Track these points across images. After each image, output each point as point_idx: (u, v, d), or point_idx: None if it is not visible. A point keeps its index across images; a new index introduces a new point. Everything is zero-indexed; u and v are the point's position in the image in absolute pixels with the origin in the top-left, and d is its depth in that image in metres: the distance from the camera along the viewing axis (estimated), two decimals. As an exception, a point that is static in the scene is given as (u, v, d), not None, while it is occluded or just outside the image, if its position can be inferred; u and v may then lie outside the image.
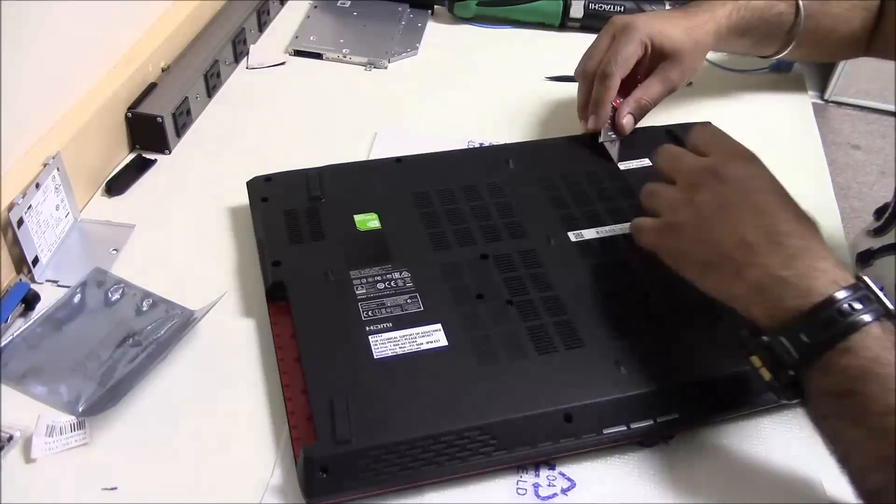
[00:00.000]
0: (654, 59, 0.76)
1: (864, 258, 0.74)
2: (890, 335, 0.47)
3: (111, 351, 0.59)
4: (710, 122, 0.80)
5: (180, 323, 0.61)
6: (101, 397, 0.56)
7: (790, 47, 0.81)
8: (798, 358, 0.48)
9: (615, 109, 0.76)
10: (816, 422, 0.49)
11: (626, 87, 0.77)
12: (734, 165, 0.56)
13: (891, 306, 0.48)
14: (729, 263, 0.52)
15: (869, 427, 0.46)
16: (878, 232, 0.77)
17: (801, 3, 0.79)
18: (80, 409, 0.55)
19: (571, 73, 0.82)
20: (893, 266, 0.72)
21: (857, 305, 0.47)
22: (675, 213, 0.56)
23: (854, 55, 0.86)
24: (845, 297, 0.48)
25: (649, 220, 0.59)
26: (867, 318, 0.47)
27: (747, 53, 0.85)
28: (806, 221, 0.53)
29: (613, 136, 0.75)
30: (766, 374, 0.50)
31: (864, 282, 0.49)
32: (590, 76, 0.76)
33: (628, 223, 0.67)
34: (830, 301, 0.48)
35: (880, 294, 0.48)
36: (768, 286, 0.50)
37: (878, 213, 0.79)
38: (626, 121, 0.76)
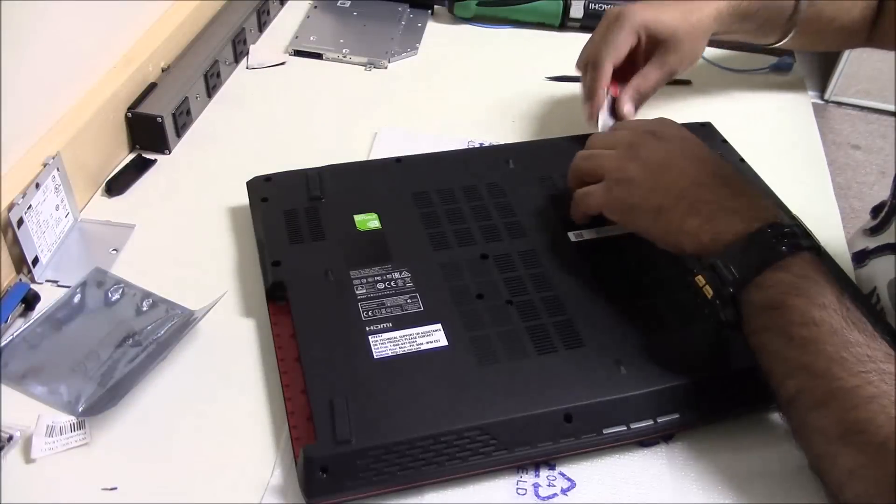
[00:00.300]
0: (651, 46, 0.77)
1: (860, 258, 0.75)
2: (819, 264, 0.53)
3: (111, 351, 0.59)
4: (710, 123, 0.80)
5: (180, 323, 0.61)
6: (101, 397, 0.56)
7: (790, 35, 0.81)
8: (738, 276, 0.53)
9: (614, 99, 0.76)
10: (750, 338, 0.53)
11: (627, 77, 0.77)
12: (668, 127, 0.64)
13: (819, 243, 0.54)
14: (682, 203, 0.57)
15: (790, 336, 0.51)
16: (874, 231, 0.77)
17: None
18: (80, 409, 0.55)
19: (571, 74, 0.82)
20: (893, 265, 0.72)
21: (793, 235, 0.53)
22: (622, 171, 0.61)
23: (853, 45, 0.87)
24: (785, 226, 0.54)
25: (592, 186, 0.63)
26: (801, 245, 0.53)
27: (747, 40, 0.84)
28: (736, 168, 0.59)
29: (612, 125, 0.75)
30: (709, 292, 0.54)
31: (799, 221, 0.55)
32: (582, 63, 0.78)
33: (628, 223, 0.67)
34: (772, 226, 0.53)
35: (810, 231, 0.55)
36: (718, 215, 0.55)
37: (875, 211, 0.79)
38: (627, 109, 0.76)
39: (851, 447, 0.48)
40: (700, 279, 0.54)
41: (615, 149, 0.63)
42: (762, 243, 0.53)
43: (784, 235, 0.53)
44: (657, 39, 0.76)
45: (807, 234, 0.55)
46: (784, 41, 0.82)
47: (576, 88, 0.82)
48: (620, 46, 0.75)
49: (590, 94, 0.76)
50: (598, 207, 0.63)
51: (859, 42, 0.85)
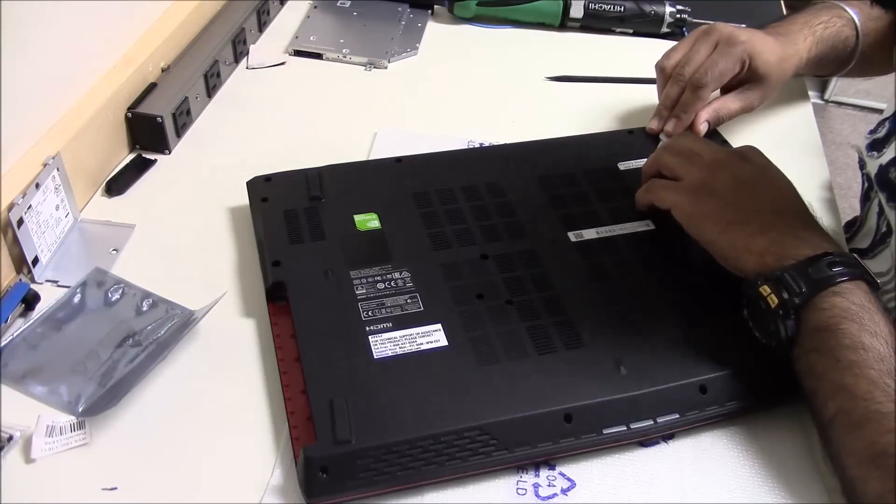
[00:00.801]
0: (745, 74, 0.77)
1: None
2: (875, 296, 0.55)
3: (111, 351, 0.59)
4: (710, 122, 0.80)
5: (180, 323, 0.61)
6: (101, 397, 0.56)
7: (848, 68, 0.83)
8: (804, 290, 0.54)
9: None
10: (798, 359, 0.54)
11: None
12: (756, 153, 0.65)
13: (875, 279, 0.56)
14: (756, 222, 0.59)
15: (837, 358, 0.52)
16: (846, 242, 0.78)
17: (857, 22, 0.80)
18: (80, 410, 0.55)
19: (572, 73, 0.82)
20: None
21: (852, 265, 0.55)
22: (708, 179, 0.63)
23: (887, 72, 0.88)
24: (844, 255, 0.56)
25: (672, 181, 0.65)
26: (859, 276, 0.54)
27: (804, 76, 0.86)
28: (810, 210, 0.62)
29: None
30: (774, 301, 0.55)
31: (857, 257, 0.56)
32: (683, 78, 0.76)
33: (628, 223, 0.67)
34: (836, 253, 0.55)
35: (867, 268, 0.56)
36: (787, 240, 0.57)
37: (848, 226, 0.80)
38: (703, 127, 0.77)
39: (882, 470, 0.48)
40: (765, 289, 0.55)
41: (702, 157, 0.65)
42: (824, 266, 0.54)
43: (844, 264, 0.55)
44: (753, 73, 0.77)
45: (864, 267, 0.56)
46: (839, 73, 0.85)
47: (576, 88, 0.82)
48: (726, 76, 0.76)
49: (681, 112, 0.77)
50: (670, 204, 0.64)
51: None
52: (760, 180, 0.63)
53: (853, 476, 0.50)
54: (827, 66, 0.83)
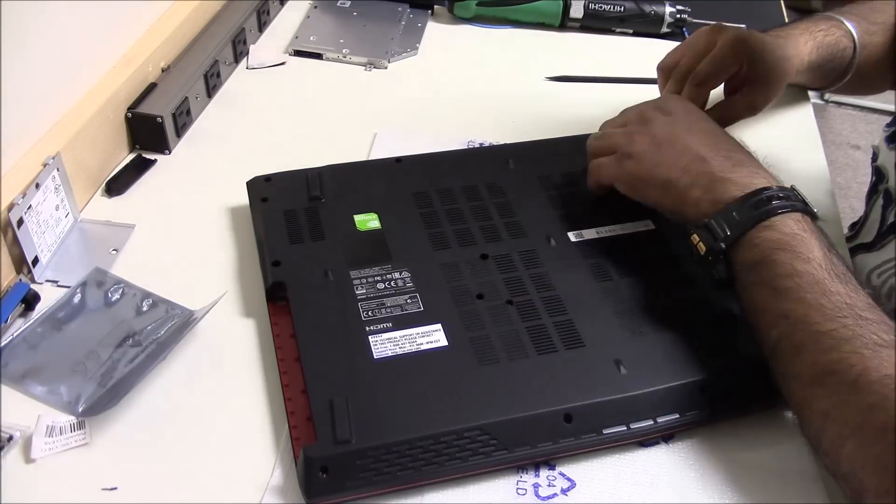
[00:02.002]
0: (746, 74, 0.76)
1: None
2: (809, 224, 0.56)
3: (111, 351, 0.59)
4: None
5: (180, 323, 0.61)
6: (101, 397, 0.56)
7: (843, 81, 0.83)
8: (729, 234, 0.56)
9: None
10: (740, 296, 0.57)
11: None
12: (673, 102, 0.68)
13: (813, 209, 0.57)
14: (686, 176, 0.60)
15: (774, 287, 0.53)
16: (848, 241, 0.78)
17: (855, 35, 0.80)
18: (80, 410, 0.55)
19: (572, 74, 0.82)
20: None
21: (784, 198, 0.56)
22: (631, 144, 0.65)
23: (883, 89, 0.89)
24: (775, 190, 0.57)
25: (605, 157, 0.67)
26: (791, 207, 0.56)
27: (801, 86, 0.86)
28: (741, 146, 0.63)
29: None
30: (702, 249, 0.58)
31: (795, 188, 0.58)
32: (682, 76, 0.76)
33: (628, 223, 0.67)
34: (762, 190, 0.57)
35: (807, 199, 0.57)
36: (717, 184, 0.59)
37: (852, 226, 0.80)
38: None
39: (825, 388, 0.49)
40: (694, 237, 0.58)
41: (626, 125, 0.67)
42: (755, 204, 0.56)
43: (777, 198, 0.56)
44: (754, 74, 0.76)
45: (800, 197, 0.57)
46: (834, 87, 0.85)
47: (576, 88, 0.82)
48: (725, 73, 0.75)
49: None
50: (609, 178, 0.66)
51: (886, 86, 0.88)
52: (683, 130, 0.64)
53: (799, 398, 0.51)
54: (825, 75, 0.83)
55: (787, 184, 0.59)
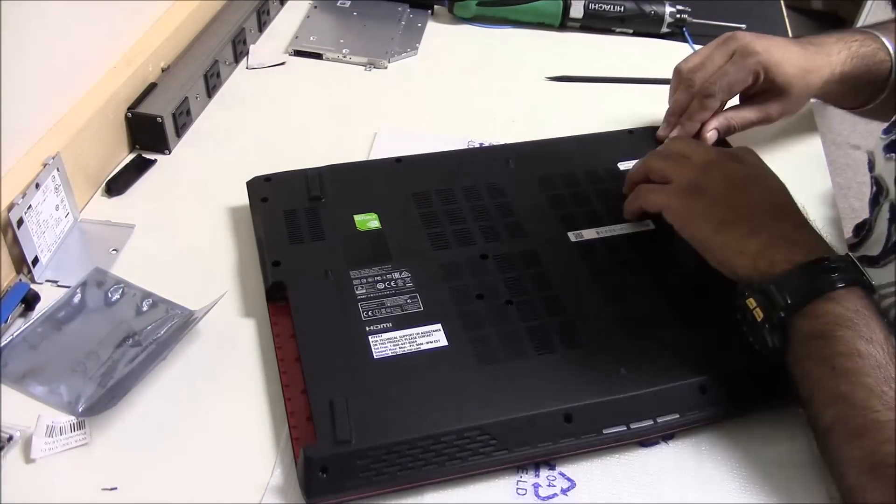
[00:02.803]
0: (763, 85, 0.75)
1: None
2: (871, 301, 0.53)
3: (111, 351, 0.59)
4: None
5: (180, 323, 0.61)
6: (101, 397, 0.56)
7: (879, 98, 0.79)
8: (791, 302, 0.53)
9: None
10: (793, 366, 0.54)
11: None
12: (747, 154, 0.65)
13: (871, 280, 0.55)
14: (748, 223, 0.58)
15: (832, 366, 0.51)
16: (852, 248, 0.77)
17: (891, 49, 0.77)
18: (80, 410, 0.55)
19: (572, 73, 0.82)
20: None
21: (847, 270, 0.54)
22: (698, 179, 0.62)
23: None
24: (839, 259, 0.54)
25: (658, 185, 0.65)
26: (854, 281, 0.53)
27: (830, 102, 0.83)
28: (803, 211, 0.60)
29: None
30: (759, 315, 0.54)
31: (852, 258, 0.55)
32: (693, 86, 0.75)
33: (628, 223, 0.67)
34: (827, 259, 0.54)
35: (863, 269, 0.55)
36: (779, 243, 0.56)
37: (858, 229, 0.79)
38: (711, 135, 0.75)
39: (880, 481, 0.48)
40: (751, 302, 0.55)
41: (691, 159, 0.64)
42: (817, 273, 0.54)
43: (839, 269, 0.54)
44: (772, 84, 0.74)
45: (860, 270, 0.55)
46: (868, 106, 0.81)
47: (576, 88, 0.82)
48: (736, 87, 0.74)
49: (687, 121, 0.75)
50: (661, 207, 0.63)
51: None
52: (753, 180, 0.62)
53: (852, 485, 0.49)
54: (861, 90, 0.79)
55: (841, 251, 0.57)
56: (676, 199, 0.62)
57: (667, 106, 0.78)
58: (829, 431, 0.51)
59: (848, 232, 0.81)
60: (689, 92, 0.75)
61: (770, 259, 0.55)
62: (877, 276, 0.57)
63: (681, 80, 0.76)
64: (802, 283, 0.53)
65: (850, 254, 0.56)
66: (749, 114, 0.76)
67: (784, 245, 0.56)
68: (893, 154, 0.69)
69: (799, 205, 0.61)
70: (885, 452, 0.48)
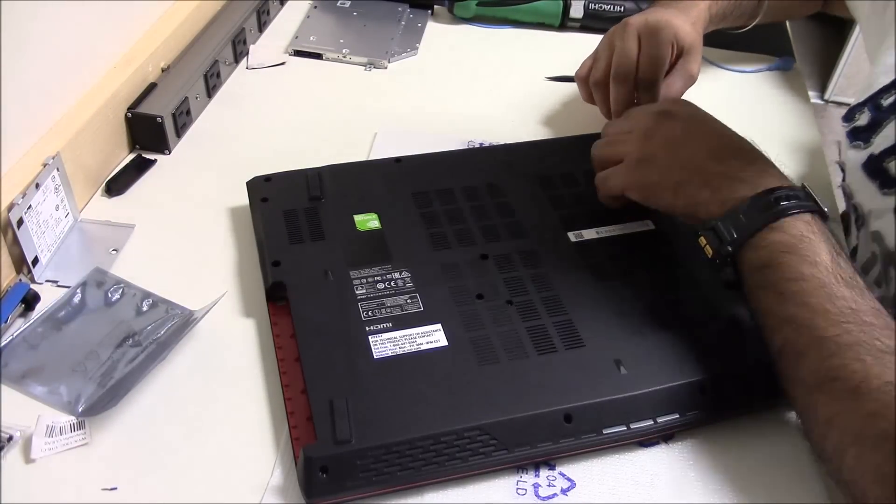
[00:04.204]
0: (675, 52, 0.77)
1: None
2: (818, 225, 0.55)
3: (111, 351, 0.59)
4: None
5: (180, 323, 0.61)
6: (100, 397, 0.56)
7: (759, 17, 0.84)
8: (735, 236, 0.55)
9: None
10: (748, 298, 0.56)
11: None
12: (680, 105, 0.66)
13: (823, 209, 0.56)
14: (698, 176, 0.60)
15: (780, 291, 0.53)
16: None
17: None
18: (80, 410, 0.55)
19: (572, 74, 0.82)
20: None
21: (794, 198, 0.55)
22: (640, 149, 0.63)
23: (811, 10, 0.90)
24: (784, 190, 0.56)
25: (612, 167, 0.66)
26: (800, 208, 0.55)
27: (720, 28, 0.86)
28: (752, 144, 0.62)
29: None
30: (709, 252, 0.57)
31: (806, 187, 0.57)
32: (627, 80, 0.75)
33: (628, 223, 0.67)
34: (771, 191, 0.56)
35: (817, 199, 0.56)
36: (726, 184, 0.58)
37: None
38: None
39: (827, 395, 0.49)
40: (702, 240, 0.58)
41: (632, 132, 0.65)
42: (763, 205, 0.55)
43: (786, 198, 0.55)
44: (681, 49, 0.77)
45: (810, 197, 0.56)
46: (752, 23, 0.85)
47: (576, 88, 0.82)
48: (667, 62, 0.75)
49: (621, 109, 0.75)
50: (620, 188, 0.64)
51: (815, 6, 0.89)
52: (693, 132, 0.63)
53: (803, 405, 0.51)
54: (737, 18, 0.84)
55: (798, 182, 0.58)
56: (630, 177, 0.64)
57: None
58: (780, 354, 0.53)
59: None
60: (625, 86, 0.75)
61: (720, 201, 0.57)
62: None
63: (586, 82, 0.78)
64: (748, 216, 0.55)
65: (805, 184, 0.58)
66: (677, 83, 0.77)
67: (731, 184, 0.58)
68: (860, 142, 0.69)
69: (749, 139, 0.62)
70: (828, 367, 0.49)
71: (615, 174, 0.65)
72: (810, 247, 0.53)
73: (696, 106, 0.66)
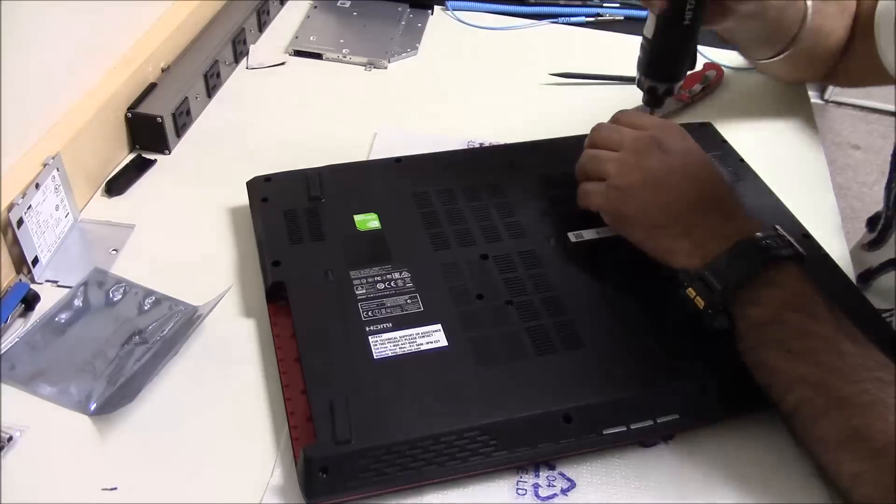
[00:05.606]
0: None
1: (864, 278, 0.74)
2: (804, 276, 0.55)
3: (117, 349, 0.59)
4: (710, 123, 0.80)
5: (184, 319, 0.61)
6: (112, 395, 0.56)
7: (790, 50, 0.78)
8: (725, 286, 0.55)
9: None
10: (746, 354, 0.55)
11: None
12: (674, 137, 0.64)
13: (801, 250, 0.56)
14: (676, 225, 0.59)
15: (788, 349, 0.52)
16: (872, 245, 0.77)
17: (808, 2, 0.76)
18: (92, 409, 0.55)
19: (573, 71, 0.82)
20: (894, 282, 0.72)
21: (773, 243, 0.55)
22: (623, 177, 0.62)
23: (815, 79, 0.87)
24: (762, 237, 0.56)
25: (594, 183, 0.65)
26: (783, 253, 0.55)
27: (743, 41, 0.82)
28: (730, 186, 0.63)
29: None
30: (701, 303, 0.56)
31: (777, 229, 0.58)
32: None
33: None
34: (750, 239, 0.56)
35: (792, 240, 0.57)
36: (708, 240, 0.58)
37: (871, 223, 0.79)
38: None
39: (853, 454, 0.50)
40: (690, 291, 0.56)
41: (619, 150, 0.64)
42: (741, 254, 0.55)
43: (761, 248, 0.55)
44: None
45: (788, 243, 0.56)
46: (778, 57, 0.80)
47: (577, 88, 0.82)
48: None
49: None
50: (597, 207, 0.64)
51: (819, 76, 0.85)
52: (680, 172, 0.61)
53: (826, 461, 0.52)
54: (772, 32, 0.77)
55: (769, 226, 0.59)
56: (606, 203, 0.63)
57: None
58: (796, 413, 0.52)
59: (853, 229, 0.80)
60: None
61: (700, 254, 0.57)
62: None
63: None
64: (736, 264, 0.55)
65: (777, 227, 0.59)
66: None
67: (715, 239, 0.57)
68: None
69: (727, 184, 0.62)
70: (851, 427, 0.50)
71: (595, 193, 0.64)
72: (811, 302, 0.54)
73: (690, 139, 0.64)
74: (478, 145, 0.81)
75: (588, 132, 0.75)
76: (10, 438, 0.53)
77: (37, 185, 0.64)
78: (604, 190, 0.63)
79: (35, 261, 0.64)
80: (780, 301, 0.54)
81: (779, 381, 0.53)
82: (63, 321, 0.61)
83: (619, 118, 0.68)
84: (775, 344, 0.53)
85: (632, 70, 0.72)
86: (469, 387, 0.54)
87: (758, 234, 0.56)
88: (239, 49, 0.89)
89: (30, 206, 0.63)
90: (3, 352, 0.59)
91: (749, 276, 0.54)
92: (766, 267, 0.55)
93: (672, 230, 0.59)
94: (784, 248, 0.56)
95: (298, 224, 0.66)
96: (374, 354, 0.56)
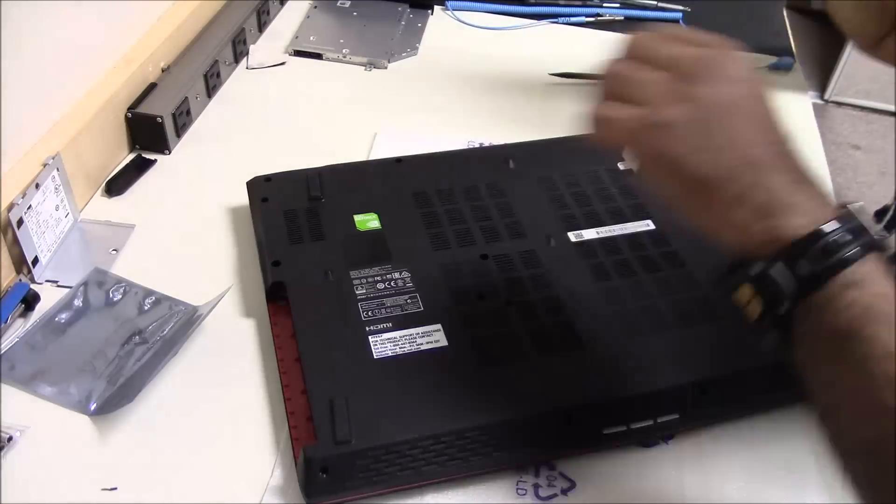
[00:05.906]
0: None
1: None
2: (884, 267, 0.42)
3: (117, 349, 0.59)
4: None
5: (185, 319, 0.61)
6: (112, 395, 0.56)
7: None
8: (798, 287, 0.41)
9: None
10: (806, 367, 0.42)
11: None
12: (740, 63, 0.46)
13: (885, 239, 0.43)
14: (730, 185, 0.43)
15: (871, 374, 0.39)
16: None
17: None
18: (92, 408, 0.55)
19: (574, 70, 0.82)
20: None
21: (853, 235, 0.42)
22: (666, 105, 0.45)
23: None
24: (844, 226, 0.42)
25: (625, 107, 0.46)
26: (865, 248, 0.41)
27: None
28: (797, 147, 0.46)
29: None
30: (755, 311, 0.43)
31: (852, 212, 0.43)
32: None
33: (628, 223, 0.67)
34: (834, 227, 0.41)
35: (867, 226, 0.43)
36: (775, 210, 0.42)
37: (878, 215, 0.78)
38: None
39: None
40: (745, 292, 0.43)
41: (669, 70, 0.46)
42: (823, 249, 0.41)
43: (845, 240, 0.41)
44: None
45: (865, 230, 0.42)
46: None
47: (577, 88, 0.82)
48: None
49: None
50: (623, 141, 0.47)
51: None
52: (739, 108, 0.45)
53: None
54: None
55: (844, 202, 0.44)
56: (641, 134, 0.45)
57: None
58: (874, 450, 0.40)
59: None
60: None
61: (763, 233, 0.42)
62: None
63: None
64: (814, 260, 0.41)
65: (848, 208, 0.43)
66: None
67: (781, 212, 0.42)
68: None
69: (790, 135, 0.46)
70: None
71: (624, 120, 0.46)
72: (893, 308, 0.40)
73: (753, 70, 0.47)
74: (478, 145, 0.81)
75: (588, 132, 0.74)
76: (10, 438, 0.53)
77: (37, 185, 0.64)
78: (637, 118, 0.45)
79: (35, 261, 0.64)
80: (861, 308, 0.40)
81: (853, 409, 0.41)
82: (63, 321, 0.61)
83: (666, 34, 0.48)
84: (854, 363, 0.40)
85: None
86: (469, 387, 0.54)
87: (839, 220, 0.42)
88: (239, 49, 0.89)
89: (30, 206, 0.63)
90: (3, 352, 0.59)
91: (828, 278, 0.41)
92: (849, 265, 0.41)
93: (727, 192, 0.43)
94: (866, 238, 0.42)
95: (298, 224, 0.66)
96: (374, 354, 0.56)
